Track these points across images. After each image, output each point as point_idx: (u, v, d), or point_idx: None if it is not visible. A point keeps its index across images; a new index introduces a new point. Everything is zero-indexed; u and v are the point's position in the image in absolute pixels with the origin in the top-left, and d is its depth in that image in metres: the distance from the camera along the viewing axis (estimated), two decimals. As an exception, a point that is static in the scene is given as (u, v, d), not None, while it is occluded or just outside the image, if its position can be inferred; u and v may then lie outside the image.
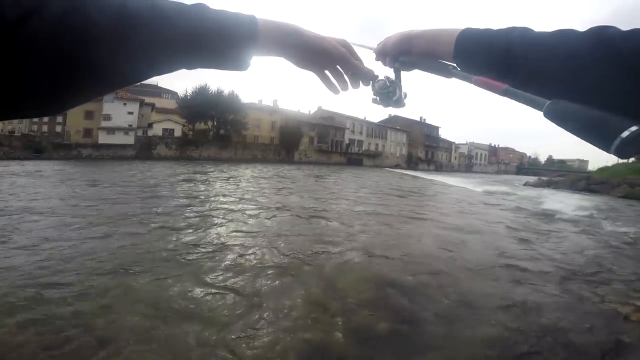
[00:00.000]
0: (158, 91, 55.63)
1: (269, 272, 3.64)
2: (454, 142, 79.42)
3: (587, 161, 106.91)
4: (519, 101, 0.41)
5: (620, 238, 6.74)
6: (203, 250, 4.30)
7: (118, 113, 34.31)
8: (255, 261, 3.98)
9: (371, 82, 0.57)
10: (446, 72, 0.52)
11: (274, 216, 6.77)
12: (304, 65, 0.51)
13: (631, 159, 34.61)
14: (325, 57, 0.51)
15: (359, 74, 0.55)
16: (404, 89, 0.58)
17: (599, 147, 0.33)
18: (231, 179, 15.33)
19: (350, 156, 53.23)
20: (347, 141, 53.95)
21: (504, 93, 0.42)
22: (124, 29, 0.32)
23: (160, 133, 37.76)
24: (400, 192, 14.11)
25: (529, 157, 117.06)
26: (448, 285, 3.54)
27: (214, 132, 40.51)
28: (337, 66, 0.53)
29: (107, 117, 33.77)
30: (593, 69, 0.37)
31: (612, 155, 0.32)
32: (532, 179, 31.98)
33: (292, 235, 5.27)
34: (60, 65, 0.30)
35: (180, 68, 0.40)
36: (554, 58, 0.41)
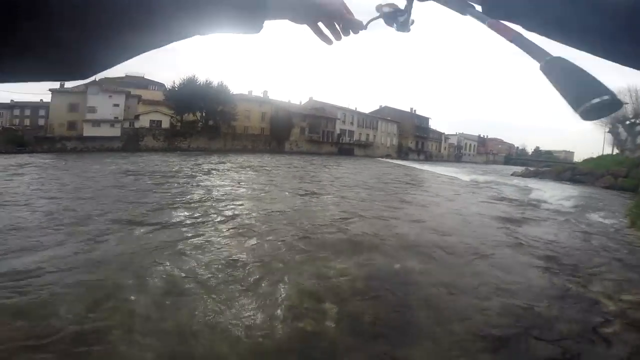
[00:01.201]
0: (144, 83, 54.12)
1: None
2: (444, 133, 79.91)
3: (573, 152, 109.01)
4: (523, 49, 0.42)
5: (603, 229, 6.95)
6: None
7: (103, 105, 33.43)
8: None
9: (380, 6, 0.59)
10: (463, 8, 0.52)
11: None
12: (301, 20, 0.53)
13: (615, 151, 35.56)
14: (320, 12, 0.54)
15: (349, 25, 0.57)
16: (412, 16, 0.58)
17: (571, 105, 0.35)
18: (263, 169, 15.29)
19: (341, 146, 53.12)
20: (338, 131, 53.77)
21: (513, 40, 0.43)
22: None
23: (147, 125, 36.96)
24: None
25: (517, 148, 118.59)
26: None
27: (203, 123, 39.86)
28: (330, 19, 0.56)
29: (92, 110, 32.89)
30: (619, 19, 0.39)
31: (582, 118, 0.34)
32: (519, 169, 32.53)
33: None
34: (82, 30, 0.30)
35: (194, 33, 0.41)
36: (579, 5, 0.42)
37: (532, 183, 18.55)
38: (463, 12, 0.53)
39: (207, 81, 39.21)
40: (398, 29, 0.60)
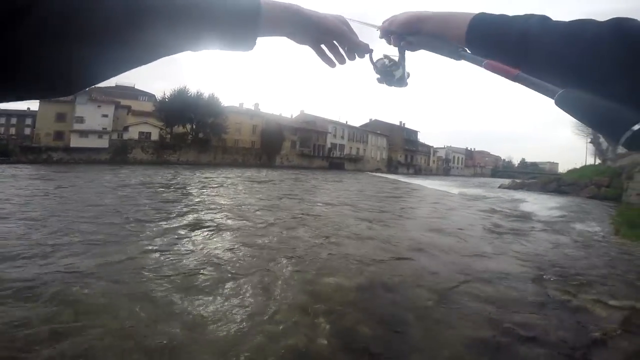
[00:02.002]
0: (135, 93, 53.89)
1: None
2: (432, 146, 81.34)
3: (557, 163, 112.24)
4: (530, 87, 0.40)
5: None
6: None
7: (92, 116, 33.07)
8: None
9: (373, 61, 0.57)
10: (456, 54, 0.51)
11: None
12: (303, 41, 0.52)
13: (598, 161, 36.71)
14: (325, 34, 0.52)
15: (354, 48, 0.55)
16: (407, 69, 0.57)
17: (609, 138, 0.33)
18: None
19: (332, 160, 53.43)
20: (329, 145, 54.16)
21: (516, 78, 0.41)
22: (133, 5, 0.32)
23: (136, 136, 36.60)
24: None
25: (504, 160, 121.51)
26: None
27: (193, 135, 39.68)
28: (334, 41, 0.54)
29: (80, 120, 32.49)
30: (613, 58, 0.37)
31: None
32: (506, 181, 33.07)
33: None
34: (71, 45, 0.30)
35: (185, 49, 0.40)
36: (572, 46, 0.40)
37: (519, 195, 18.88)
38: (457, 58, 0.51)
39: (198, 92, 39.34)
40: (396, 85, 0.58)
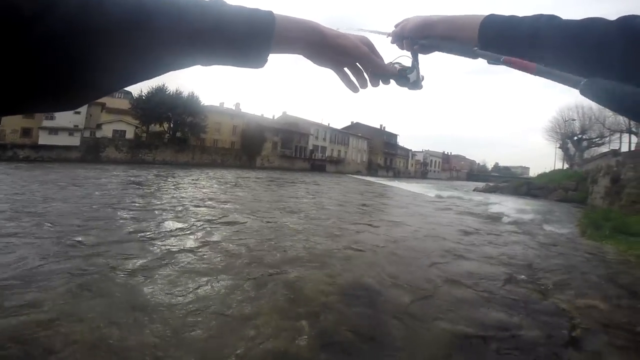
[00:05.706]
0: (109, 90, 51.80)
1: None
2: (411, 150, 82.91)
3: (529, 168, 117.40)
4: (552, 79, 0.39)
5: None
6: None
7: (63, 112, 31.42)
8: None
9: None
10: (471, 53, 0.51)
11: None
12: (322, 63, 0.50)
13: (566, 166, 38.58)
14: (344, 56, 0.49)
15: (379, 72, 0.53)
16: (421, 72, 0.57)
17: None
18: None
19: (314, 162, 53.37)
20: (311, 147, 54.10)
21: (537, 72, 0.41)
22: (139, 22, 0.32)
23: (110, 135, 35.19)
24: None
25: (478, 164, 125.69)
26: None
27: (170, 134, 38.61)
28: (357, 64, 0.51)
29: (50, 117, 30.87)
30: (622, 56, 0.37)
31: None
32: (481, 184, 34.22)
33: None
34: (76, 59, 0.29)
35: (195, 64, 0.40)
36: (582, 44, 0.41)
37: (492, 198, 19.53)
38: (474, 57, 0.51)
39: (177, 91, 38.20)
40: (410, 88, 0.57)
